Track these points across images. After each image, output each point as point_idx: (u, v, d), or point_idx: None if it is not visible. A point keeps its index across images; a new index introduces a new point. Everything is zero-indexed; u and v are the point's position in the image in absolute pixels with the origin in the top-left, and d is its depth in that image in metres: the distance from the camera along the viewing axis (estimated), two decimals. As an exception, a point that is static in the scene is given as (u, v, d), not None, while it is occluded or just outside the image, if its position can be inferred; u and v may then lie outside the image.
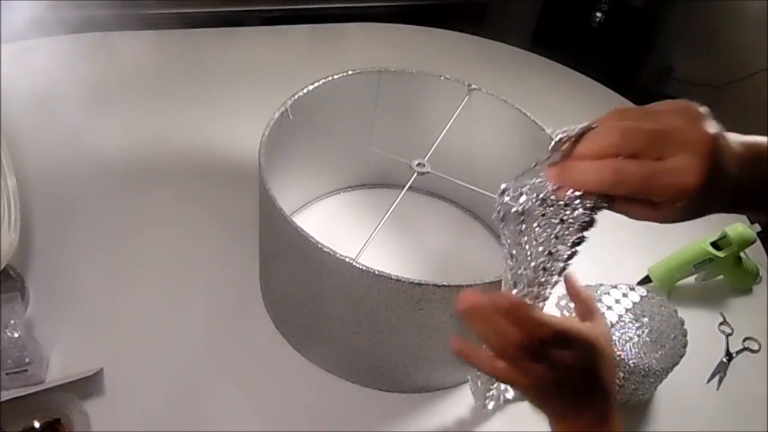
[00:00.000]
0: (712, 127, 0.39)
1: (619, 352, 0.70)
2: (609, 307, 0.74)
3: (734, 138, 0.41)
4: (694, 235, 0.88)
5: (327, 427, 0.69)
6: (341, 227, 0.90)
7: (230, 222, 0.88)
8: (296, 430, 0.69)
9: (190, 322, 0.76)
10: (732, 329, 0.87)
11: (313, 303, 0.69)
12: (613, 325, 0.72)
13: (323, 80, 0.78)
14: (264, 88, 1.10)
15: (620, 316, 0.73)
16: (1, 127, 0.74)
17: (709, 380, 0.81)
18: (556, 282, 0.48)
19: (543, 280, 0.47)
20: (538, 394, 0.48)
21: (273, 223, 0.67)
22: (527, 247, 0.46)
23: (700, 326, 0.86)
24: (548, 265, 0.46)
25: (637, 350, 0.70)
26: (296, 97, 0.76)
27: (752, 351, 0.86)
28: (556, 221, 0.44)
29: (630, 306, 0.74)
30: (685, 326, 0.73)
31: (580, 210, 0.43)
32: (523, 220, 0.46)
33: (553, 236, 0.45)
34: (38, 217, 0.84)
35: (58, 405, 0.63)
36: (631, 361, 0.69)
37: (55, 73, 1.04)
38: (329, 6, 1.74)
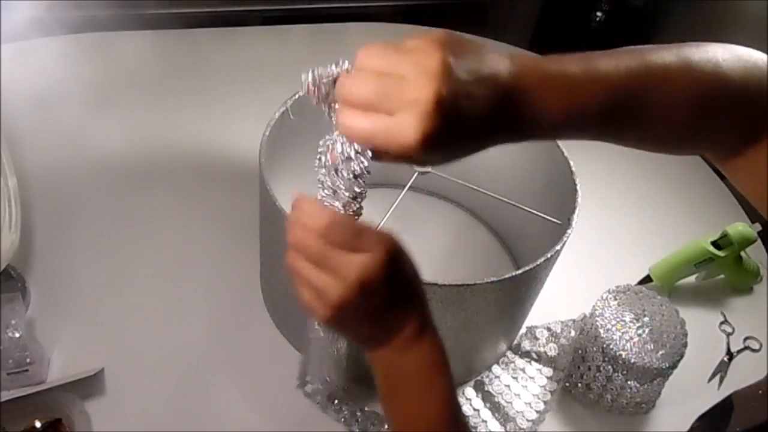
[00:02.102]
0: (443, 76, 0.36)
1: (620, 352, 0.70)
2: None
3: (507, 66, 0.39)
4: (695, 235, 0.88)
5: (327, 428, 0.69)
6: (341, 227, 0.90)
7: (230, 222, 0.88)
8: (296, 430, 0.69)
9: (190, 322, 0.76)
10: (733, 328, 0.87)
11: (313, 303, 0.69)
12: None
13: (323, 80, 0.78)
14: (264, 88, 1.10)
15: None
16: (1, 127, 0.74)
17: (710, 380, 0.81)
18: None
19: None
20: (331, 312, 0.42)
21: (274, 223, 0.67)
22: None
23: (701, 326, 0.86)
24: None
25: (637, 350, 0.70)
26: (297, 96, 0.76)
27: (753, 350, 0.86)
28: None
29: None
30: (686, 326, 0.73)
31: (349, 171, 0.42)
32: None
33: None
34: (38, 217, 0.84)
35: (59, 405, 0.64)
36: (632, 360, 0.69)
37: (55, 73, 1.04)
38: (329, 6, 1.73)
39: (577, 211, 0.70)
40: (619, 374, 0.71)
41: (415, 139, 0.36)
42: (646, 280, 0.88)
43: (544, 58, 0.41)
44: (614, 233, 0.98)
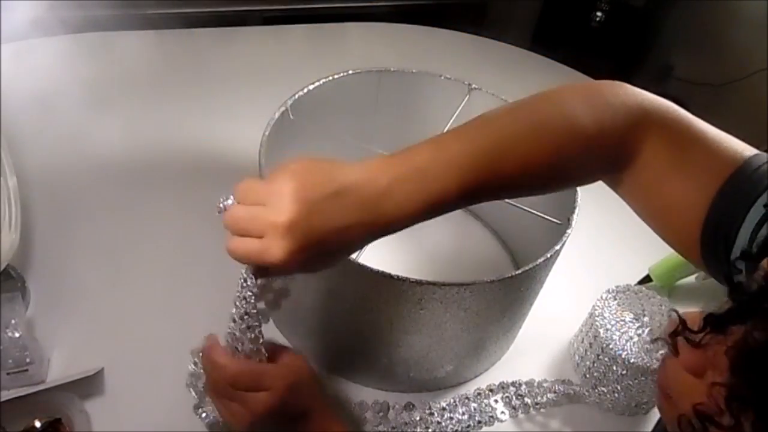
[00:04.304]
0: (293, 200, 0.43)
1: (620, 352, 0.70)
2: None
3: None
4: (695, 235, 0.88)
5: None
6: (341, 227, 0.90)
7: (230, 222, 0.88)
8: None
9: (190, 322, 0.76)
10: (732, 329, 0.87)
11: (313, 303, 0.69)
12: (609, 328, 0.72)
13: (323, 80, 0.78)
14: (264, 88, 1.10)
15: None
16: (1, 127, 0.74)
17: (709, 380, 0.81)
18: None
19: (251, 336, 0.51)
20: (242, 428, 0.52)
21: (273, 223, 0.67)
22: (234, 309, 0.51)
23: (701, 326, 0.86)
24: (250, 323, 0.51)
25: (637, 349, 0.70)
26: (296, 96, 0.76)
27: (752, 350, 0.86)
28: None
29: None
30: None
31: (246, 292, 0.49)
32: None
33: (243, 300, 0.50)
34: (38, 217, 0.84)
35: (59, 404, 0.64)
36: (631, 361, 0.69)
37: (55, 73, 1.04)
38: (329, 6, 1.74)
39: (577, 211, 0.70)
40: (619, 374, 0.71)
41: (280, 257, 0.43)
42: (646, 280, 0.88)
43: (394, 156, 0.47)
44: (614, 233, 0.98)
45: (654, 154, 0.49)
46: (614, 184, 0.53)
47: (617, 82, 0.51)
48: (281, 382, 0.51)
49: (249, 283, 0.48)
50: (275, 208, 0.43)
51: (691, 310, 0.37)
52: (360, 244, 0.47)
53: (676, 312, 0.37)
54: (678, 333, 0.37)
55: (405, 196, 0.45)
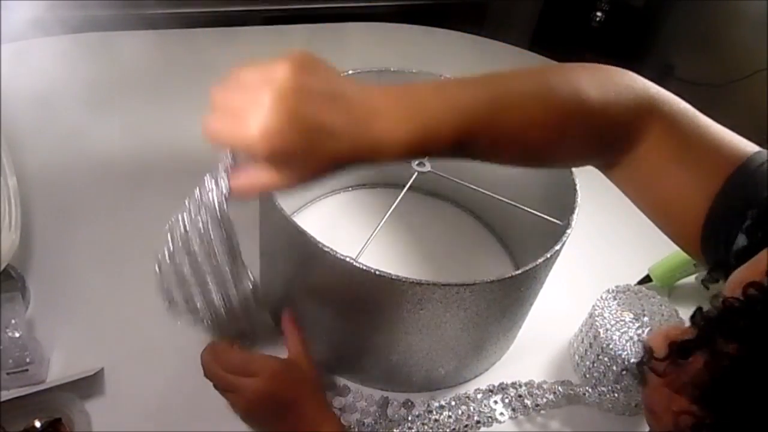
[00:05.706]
0: (284, 84, 0.40)
1: (620, 352, 0.70)
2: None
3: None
4: (695, 235, 0.88)
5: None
6: (341, 227, 0.90)
7: (230, 222, 0.88)
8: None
9: (190, 322, 0.76)
10: (732, 329, 0.87)
11: (313, 303, 0.69)
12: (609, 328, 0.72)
13: (323, 80, 0.78)
14: (264, 88, 1.10)
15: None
16: (1, 127, 0.74)
17: (709, 380, 0.81)
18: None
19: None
20: (241, 415, 0.58)
21: (273, 223, 0.67)
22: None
23: (701, 326, 0.86)
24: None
25: (637, 350, 0.70)
26: (296, 96, 0.76)
27: (752, 350, 0.86)
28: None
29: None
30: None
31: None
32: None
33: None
34: (38, 217, 0.84)
35: (59, 404, 0.64)
36: (631, 361, 0.69)
37: (55, 73, 1.04)
38: (329, 6, 1.73)
39: (577, 211, 0.70)
40: (619, 374, 0.71)
41: (254, 133, 0.39)
42: (646, 280, 0.88)
43: (394, 86, 0.44)
44: (614, 233, 0.98)
45: (658, 144, 0.49)
46: (609, 169, 0.53)
47: (625, 69, 0.51)
48: (269, 370, 0.57)
49: (223, 173, 0.48)
50: (262, 89, 0.40)
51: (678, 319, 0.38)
52: (342, 161, 0.43)
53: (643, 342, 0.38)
54: (644, 363, 0.37)
55: (396, 121, 0.42)
